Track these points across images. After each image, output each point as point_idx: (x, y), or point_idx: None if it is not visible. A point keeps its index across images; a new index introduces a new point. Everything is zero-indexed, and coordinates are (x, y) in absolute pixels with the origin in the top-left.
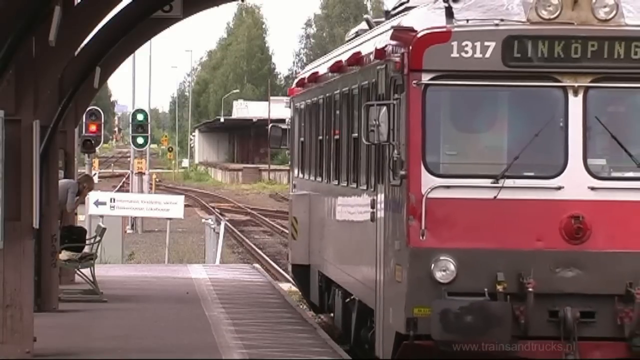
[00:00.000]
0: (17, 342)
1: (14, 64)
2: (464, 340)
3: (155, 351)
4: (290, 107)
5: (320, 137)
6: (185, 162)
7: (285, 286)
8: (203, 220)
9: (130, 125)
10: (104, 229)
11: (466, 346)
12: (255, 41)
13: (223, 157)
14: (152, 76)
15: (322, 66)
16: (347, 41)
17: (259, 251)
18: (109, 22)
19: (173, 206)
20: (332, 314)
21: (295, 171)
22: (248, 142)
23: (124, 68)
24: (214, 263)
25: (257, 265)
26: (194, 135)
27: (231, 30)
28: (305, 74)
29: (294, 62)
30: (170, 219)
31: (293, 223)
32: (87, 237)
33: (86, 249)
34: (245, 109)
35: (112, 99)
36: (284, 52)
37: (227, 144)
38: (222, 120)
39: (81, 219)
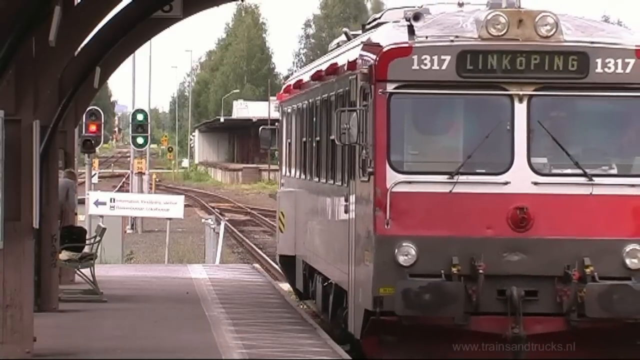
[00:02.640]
0: (17, 342)
1: (14, 64)
2: (423, 316)
3: (155, 351)
4: (279, 111)
5: (304, 139)
6: (185, 162)
7: (286, 286)
8: (203, 220)
9: (130, 125)
10: (104, 229)
11: (425, 321)
12: (255, 41)
13: (223, 157)
14: (152, 76)
15: (305, 74)
16: (330, 51)
17: (259, 251)
18: (109, 22)
19: (173, 206)
20: (315, 300)
21: (283, 170)
22: (248, 142)
23: (124, 68)
24: (214, 263)
25: (257, 265)
26: (194, 135)
27: (231, 31)
28: (291, 81)
29: (293, 63)
30: (170, 219)
31: (280, 217)
32: (87, 237)
33: (86, 249)
34: (245, 109)
35: (112, 99)
36: (284, 52)
37: (227, 144)
38: (222, 120)
39: (81, 219)
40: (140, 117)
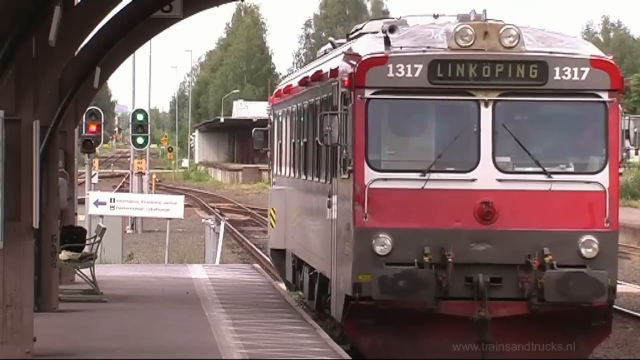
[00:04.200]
0: (17, 342)
1: (14, 64)
2: (398, 300)
3: (155, 351)
4: (270, 113)
5: (293, 140)
6: (185, 162)
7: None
8: (203, 220)
9: (130, 125)
10: (104, 229)
11: (399, 305)
12: (255, 41)
13: (223, 157)
14: (152, 76)
15: (294, 80)
16: (317, 58)
17: (259, 251)
18: (109, 22)
19: (173, 206)
20: (302, 290)
21: (275, 169)
22: (248, 142)
23: (124, 68)
24: (214, 263)
25: (257, 265)
26: (194, 136)
27: (230, 31)
28: (282, 86)
29: (293, 63)
30: (170, 219)
31: (271, 213)
32: (87, 237)
33: (86, 249)
34: (245, 109)
35: (112, 99)
36: (284, 52)
37: (227, 144)
38: (222, 120)
39: (81, 219)
40: (140, 117)
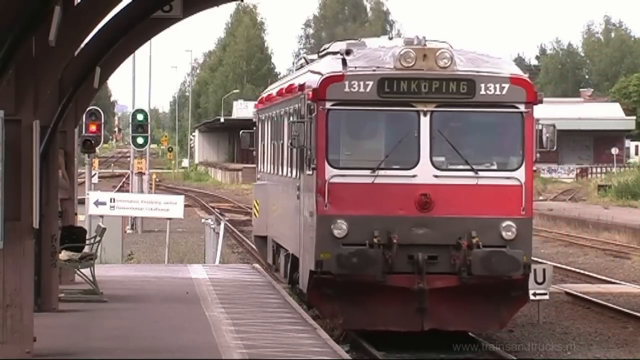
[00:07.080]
0: (17, 342)
1: (14, 64)
2: (352, 274)
3: (155, 351)
4: (255, 117)
5: (273, 142)
6: (185, 162)
7: (286, 286)
8: (203, 220)
9: (130, 125)
10: (104, 229)
11: (353, 278)
12: (254, 41)
13: (223, 157)
14: (152, 76)
15: (274, 90)
16: (295, 70)
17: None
18: (109, 22)
19: (173, 206)
20: (279, 269)
21: (259, 166)
22: None
23: (124, 68)
24: (214, 263)
25: (257, 265)
26: (194, 135)
27: (230, 31)
28: (264, 94)
29: (293, 63)
30: (170, 219)
31: (255, 205)
32: (87, 237)
33: (86, 249)
34: (245, 109)
35: (112, 99)
36: (284, 52)
37: (227, 144)
38: (222, 120)
39: (81, 219)
40: (140, 117)
